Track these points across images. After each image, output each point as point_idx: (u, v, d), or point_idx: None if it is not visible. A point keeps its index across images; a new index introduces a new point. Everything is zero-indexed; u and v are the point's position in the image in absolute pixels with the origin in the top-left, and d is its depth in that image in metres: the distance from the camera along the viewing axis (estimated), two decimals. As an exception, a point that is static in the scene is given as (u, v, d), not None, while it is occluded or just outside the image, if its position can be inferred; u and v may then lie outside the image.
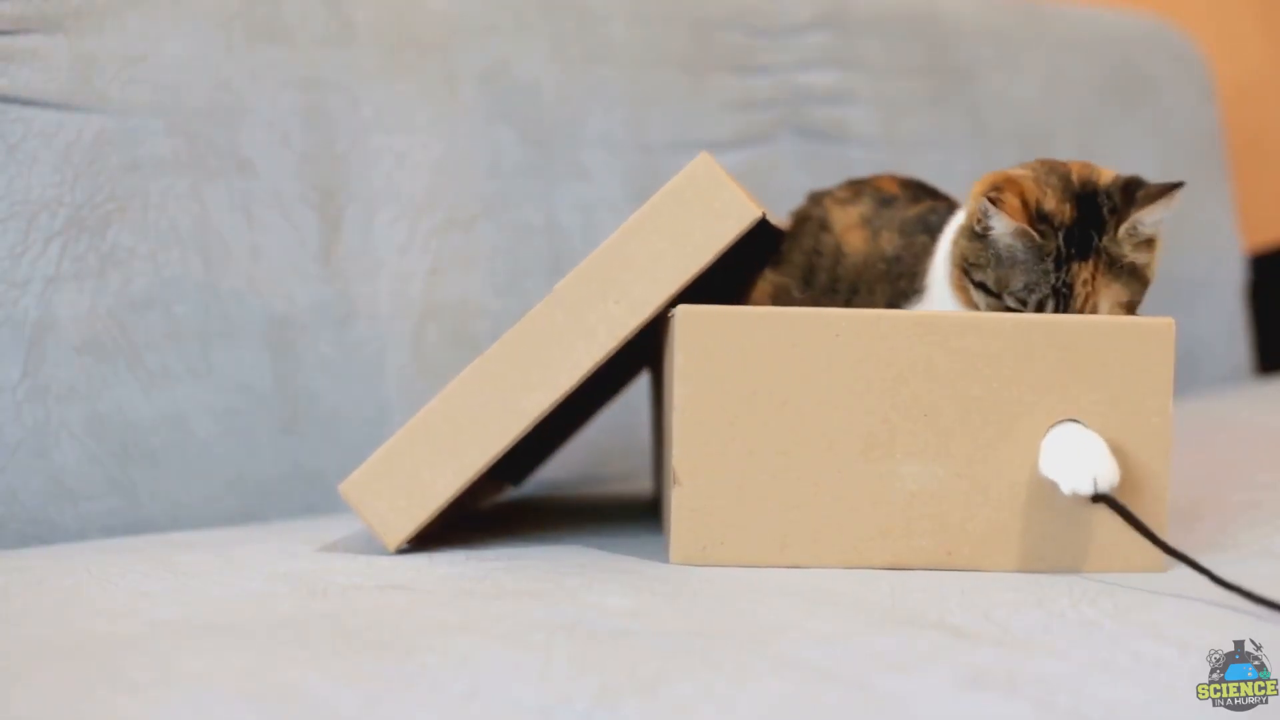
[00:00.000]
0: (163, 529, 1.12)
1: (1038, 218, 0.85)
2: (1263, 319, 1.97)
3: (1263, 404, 1.71)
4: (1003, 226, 0.86)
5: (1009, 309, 0.86)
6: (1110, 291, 0.86)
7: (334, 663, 0.65)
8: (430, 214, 1.30)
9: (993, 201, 0.85)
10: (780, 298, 1.00)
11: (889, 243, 0.96)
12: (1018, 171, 0.89)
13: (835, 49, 1.61)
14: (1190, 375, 1.77)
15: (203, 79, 1.19)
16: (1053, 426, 0.84)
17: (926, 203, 0.99)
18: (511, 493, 1.28)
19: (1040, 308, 0.85)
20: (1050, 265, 0.85)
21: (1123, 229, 0.85)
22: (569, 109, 1.41)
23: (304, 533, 1.03)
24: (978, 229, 0.87)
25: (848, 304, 0.97)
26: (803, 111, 1.57)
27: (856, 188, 1.02)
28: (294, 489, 1.20)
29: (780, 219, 1.04)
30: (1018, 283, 0.86)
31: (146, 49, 1.16)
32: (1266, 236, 2.09)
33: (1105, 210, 0.86)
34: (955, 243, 0.90)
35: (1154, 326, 0.85)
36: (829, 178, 1.10)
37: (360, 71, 1.28)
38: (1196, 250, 1.89)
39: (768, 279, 1.01)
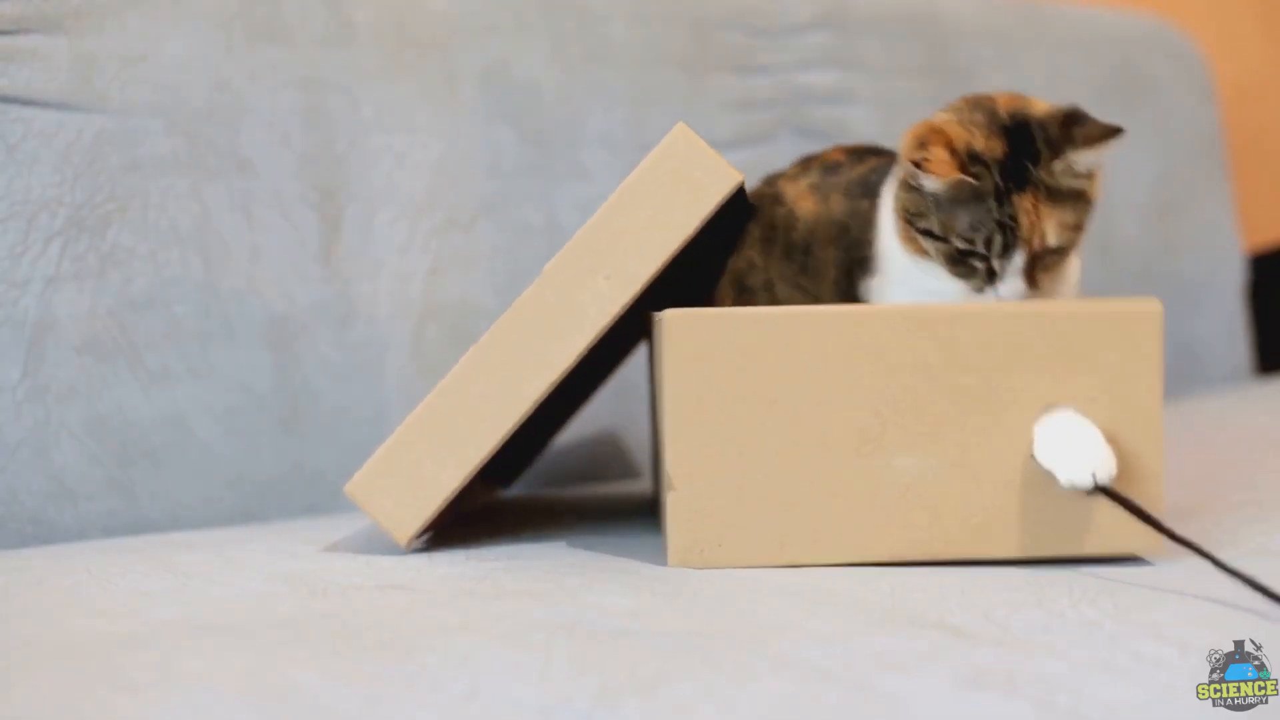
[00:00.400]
0: (163, 529, 1.12)
1: (970, 160, 0.86)
2: (1263, 319, 1.97)
3: (1263, 404, 1.71)
4: (935, 184, 0.86)
5: (960, 250, 0.87)
6: (1055, 216, 0.86)
7: (334, 663, 0.65)
8: (430, 214, 1.30)
9: (919, 165, 0.86)
10: (745, 273, 1.00)
11: (837, 205, 0.97)
12: (942, 117, 0.89)
13: (835, 49, 1.61)
14: (1190, 375, 1.77)
15: (203, 79, 1.19)
16: (1045, 412, 0.84)
17: (870, 162, 0.99)
18: (502, 493, 1.28)
19: (989, 244, 0.86)
20: (992, 203, 0.85)
21: (1058, 165, 0.86)
22: (569, 109, 1.41)
23: (304, 533, 1.03)
24: (913, 183, 0.88)
25: (802, 266, 0.97)
26: (803, 111, 1.57)
27: (805, 163, 1.03)
28: (294, 489, 1.20)
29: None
30: (963, 224, 0.86)
31: (146, 49, 1.16)
32: (1266, 236, 2.09)
33: (1039, 141, 0.86)
34: (896, 196, 0.90)
35: (1142, 312, 0.85)
36: (829, 178, 1.09)
37: (360, 71, 1.28)
38: (1196, 250, 1.89)
39: (730, 267, 1.01)
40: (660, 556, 0.88)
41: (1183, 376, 1.75)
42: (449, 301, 1.30)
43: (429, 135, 1.31)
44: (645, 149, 1.46)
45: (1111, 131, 0.86)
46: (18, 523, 1.08)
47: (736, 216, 0.98)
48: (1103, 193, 0.90)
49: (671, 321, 0.84)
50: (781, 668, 0.65)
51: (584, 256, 0.86)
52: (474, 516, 1.11)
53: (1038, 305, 0.85)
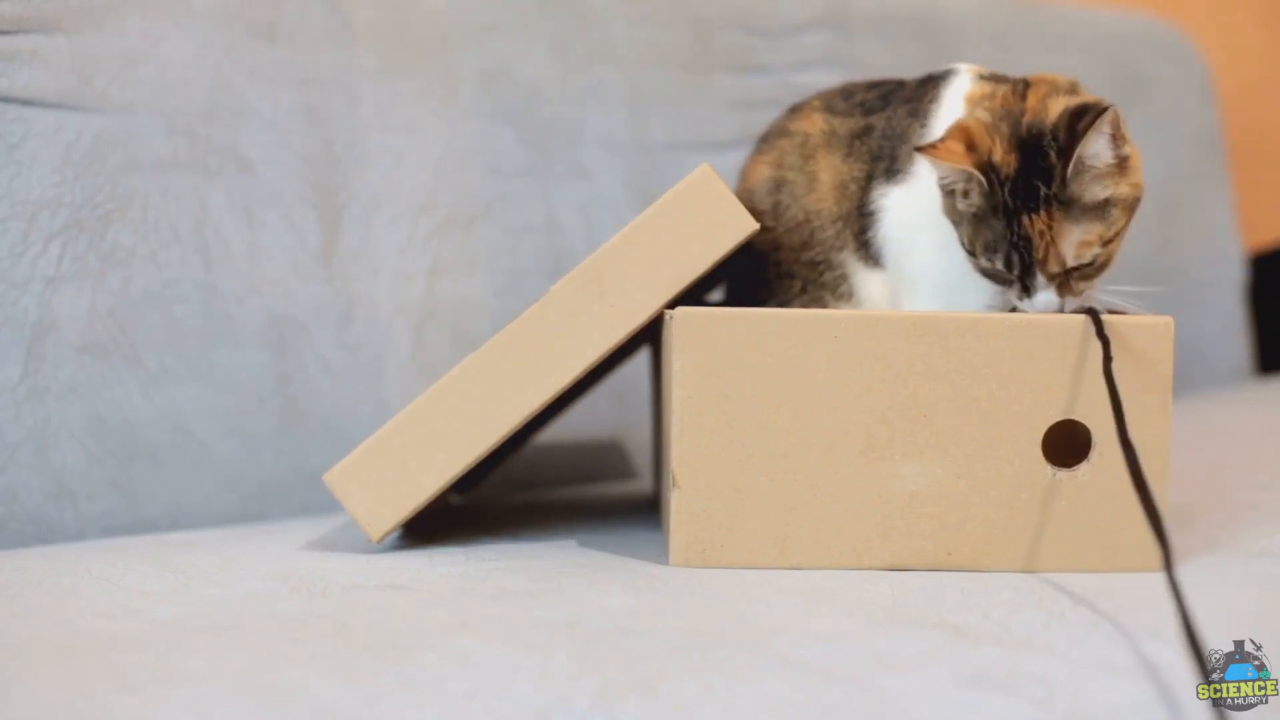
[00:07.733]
0: (163, 529, 1.12)
1: (987, 168, 0.85)
2: (1263, 319, 1.97)
3: (1263, 404, 1.71)
4: (946, 171, 0.87)
5: (983, 268, 0.87)
6: (1075, 235, 0.84)
7: (334, 663, 0.65)
8: (430, 214, 1.30)
9: (932, 149, 0.86)
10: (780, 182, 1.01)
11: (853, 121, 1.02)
12: (977, 116, 0.88)
13: (835, 49, 1.61)
14: (1190, 375, 1.77)
15: (203, 79, 1.19)
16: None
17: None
18: (456, 500, 1.27)
19: (1009, 264, 0.85)
20: (1000, 223, 0.85)
21: (1070, 170, 0.84)
22: (569, 109, 1.41)
23: (304, 533, 1.03)
24: (943, 184, 0.88)
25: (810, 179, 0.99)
26: (803, 111, 1.57)
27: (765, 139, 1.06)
28: (294, 489, 1.20)
29: None
30: (981, 242, 0.86)
31: (146, 49, 1.16)
32: (1266, 236, 2.09)
33: (1052, 154, 0.84)
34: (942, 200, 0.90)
35: (1153, 326, 0.85)
36: (829, 178, 1.09)
37: (360, 71, 1.28)
38: (1196, 250, 1.89)
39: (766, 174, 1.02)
40: (661, 556, 0.88)
41: (1183, 376, 1.74)
42: (449, 302, 1.30)
43: (429, 135, 1.31)
44: (645, 149, 1.47)
45: (1099, 112, 0.84)
46: (18, 523, 1.08)
47: (745, 252, 0.98)
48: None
49: (682, 320, 0.84)
50: (781, 668, 0.65)
51: (593, 281, 0.86)
52: (474, 516, 1.11)
53: (1049, 317, 0.85)
